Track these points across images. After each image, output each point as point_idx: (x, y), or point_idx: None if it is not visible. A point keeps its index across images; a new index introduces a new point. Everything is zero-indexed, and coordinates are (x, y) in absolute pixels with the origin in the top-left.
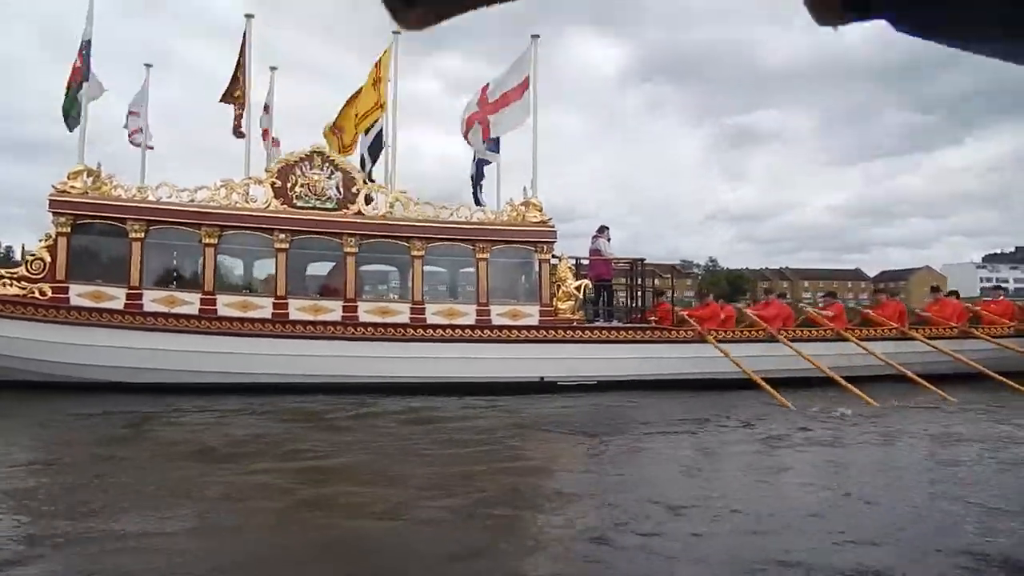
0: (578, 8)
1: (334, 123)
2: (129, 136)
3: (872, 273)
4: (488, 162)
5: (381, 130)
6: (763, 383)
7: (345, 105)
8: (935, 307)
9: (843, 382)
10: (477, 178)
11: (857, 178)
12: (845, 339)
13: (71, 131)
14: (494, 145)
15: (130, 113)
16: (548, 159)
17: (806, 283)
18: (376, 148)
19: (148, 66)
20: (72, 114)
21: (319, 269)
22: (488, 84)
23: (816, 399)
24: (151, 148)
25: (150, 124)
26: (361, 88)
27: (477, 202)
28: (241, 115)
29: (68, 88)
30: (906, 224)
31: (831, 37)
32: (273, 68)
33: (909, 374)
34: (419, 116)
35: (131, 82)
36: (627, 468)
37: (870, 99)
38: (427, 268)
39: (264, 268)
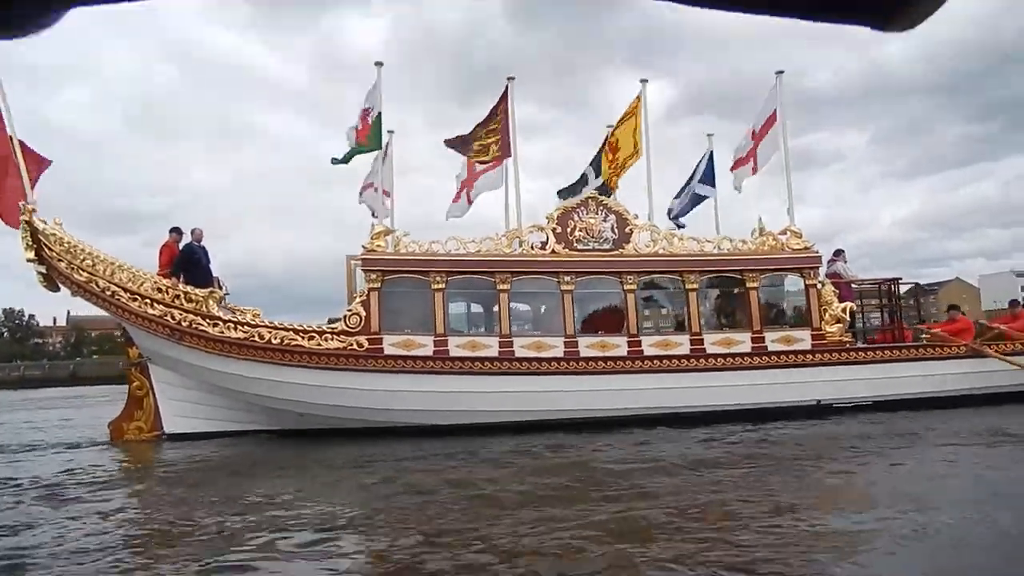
0: (616, 51)
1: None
2: (361, 192)
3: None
4: (705, 197)
5: None
6: None
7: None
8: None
9: None
10: (681, 212)
11: (921, 192)
12: None
13: (346, 164)
14: (711, 180)
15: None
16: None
17: None
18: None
19: (390, 132)
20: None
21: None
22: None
23: None
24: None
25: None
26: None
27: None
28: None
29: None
30: (983, 235)
31: (874, 57)
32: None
33: None
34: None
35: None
36: None
37: (922, 113)
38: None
39: (549, 310)
